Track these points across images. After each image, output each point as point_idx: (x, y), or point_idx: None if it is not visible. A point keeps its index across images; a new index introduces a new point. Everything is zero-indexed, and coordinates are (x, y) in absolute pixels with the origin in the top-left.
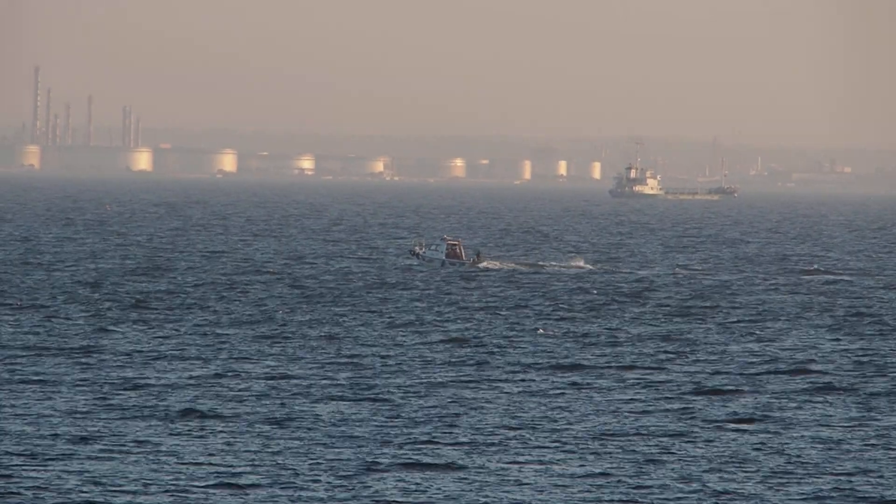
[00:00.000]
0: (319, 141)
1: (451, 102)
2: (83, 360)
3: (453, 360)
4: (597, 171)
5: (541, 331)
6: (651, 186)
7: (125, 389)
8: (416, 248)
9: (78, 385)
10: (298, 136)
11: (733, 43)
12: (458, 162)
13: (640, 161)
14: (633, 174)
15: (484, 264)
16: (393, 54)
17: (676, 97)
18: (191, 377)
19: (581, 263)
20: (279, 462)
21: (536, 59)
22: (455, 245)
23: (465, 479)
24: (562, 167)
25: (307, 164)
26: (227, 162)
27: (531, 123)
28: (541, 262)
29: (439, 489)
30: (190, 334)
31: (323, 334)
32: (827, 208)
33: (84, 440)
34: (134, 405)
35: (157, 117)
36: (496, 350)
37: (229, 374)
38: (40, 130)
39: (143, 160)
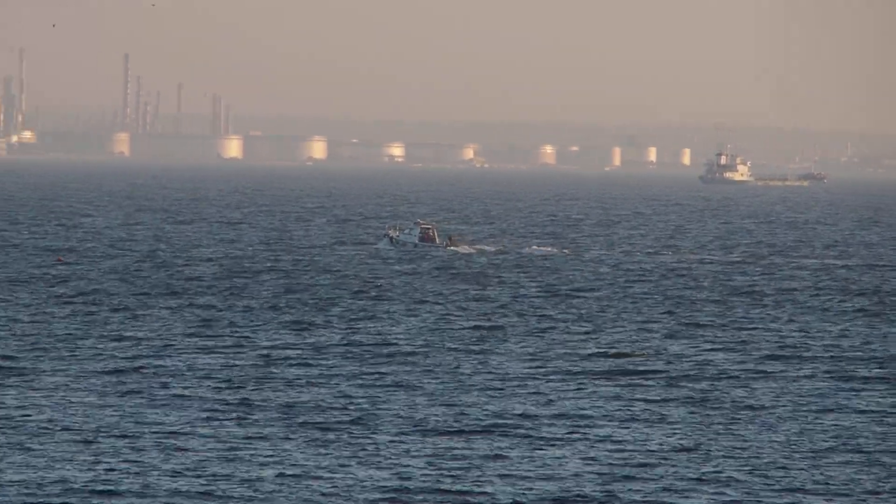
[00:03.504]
0: (410, 128)
1: (542, 89)
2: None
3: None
4: (687, 157)
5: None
6: (741, 173)
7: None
8: (391, 231)
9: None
10: (389, 123)
11: (825, 28)
12: (549, 149)
13: (730, 147)
14: (723, 160)
15: (456, 248)
16: (483, 41)
17: (767, 83)
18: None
19: (549, 249)
20: (283, 451)
21: (627, 45)
22: (429, 229)
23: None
24: (651, 154)
25: (397, 151)
26: (318, 149)
27: (621, 110)
28: (511, 247)
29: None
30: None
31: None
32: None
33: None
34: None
35: (247, 105)
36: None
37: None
38: (130, 118)
39: (233, 148)
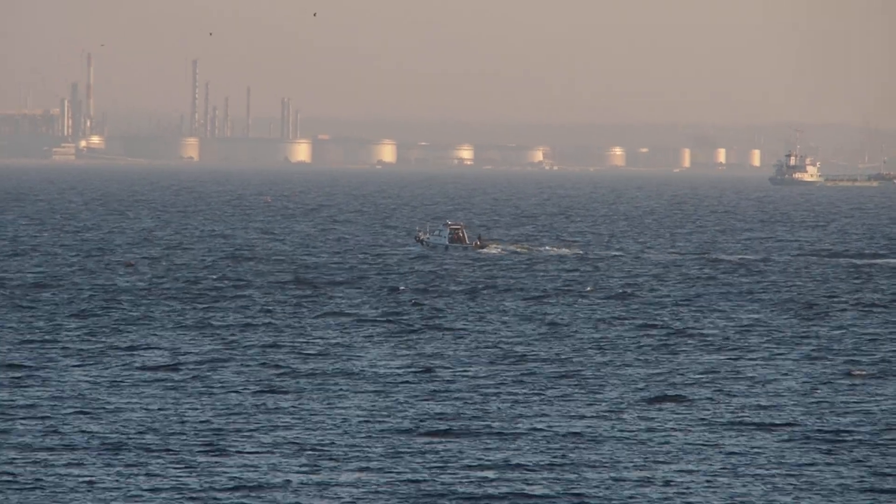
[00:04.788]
0: (479, 130)
1: (610, 90)
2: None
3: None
4: (756, 158)
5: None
6: (810, 173)
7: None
8: (421, 234)
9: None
10: (457, 125)
11: (893, 26)
12: (618, 150)
13: (799, 148)
14: (792, 161)
15: (486, 248)
16: (552, 43)
17: (836, 83)
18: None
19: (577, 249)
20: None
21: (696, 46)
22: (458, 229)
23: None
24: (721, 155)
25: (466, 154)
26: (387, 152)
27: (691, 111)
28: (539, 247)
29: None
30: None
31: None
32: None
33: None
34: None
35: (315, 108)
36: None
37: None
38: (199, 123)
39: (301, 151)
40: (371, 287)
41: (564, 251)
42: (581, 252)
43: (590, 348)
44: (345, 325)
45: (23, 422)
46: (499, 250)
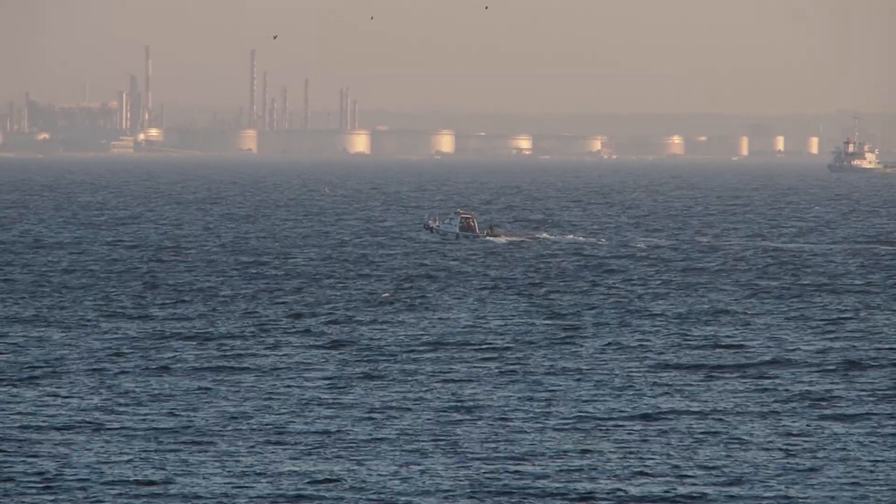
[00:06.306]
0: (537, 120)
1: (668, 79)
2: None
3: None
4: (814, 146)
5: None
6: (869, 160)
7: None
8: (430, 221)
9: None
10: (515, 115)
11: None
12: (676, 139)
13: (857, 135)
14: (850, 148)
15: (496, 238)
16: (608, 32)
17: (893, 69)
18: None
19: (582, 237)
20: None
21: (752, 35)
22: (469, 218)
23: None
24: (779, 143)
25: (524, 143)
26: (445, 143)
27: (748, 99)
28: (549, 236)
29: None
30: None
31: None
32: None
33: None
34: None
35: (373, 99)
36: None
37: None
38: (257, 115)
39: (360, 143)
40: (381, 275)
41: (573, 238)
42: (592, 240)
43: (607, 338)
44: (357, 313)
45: (54, 410)
46: (510, 239)
